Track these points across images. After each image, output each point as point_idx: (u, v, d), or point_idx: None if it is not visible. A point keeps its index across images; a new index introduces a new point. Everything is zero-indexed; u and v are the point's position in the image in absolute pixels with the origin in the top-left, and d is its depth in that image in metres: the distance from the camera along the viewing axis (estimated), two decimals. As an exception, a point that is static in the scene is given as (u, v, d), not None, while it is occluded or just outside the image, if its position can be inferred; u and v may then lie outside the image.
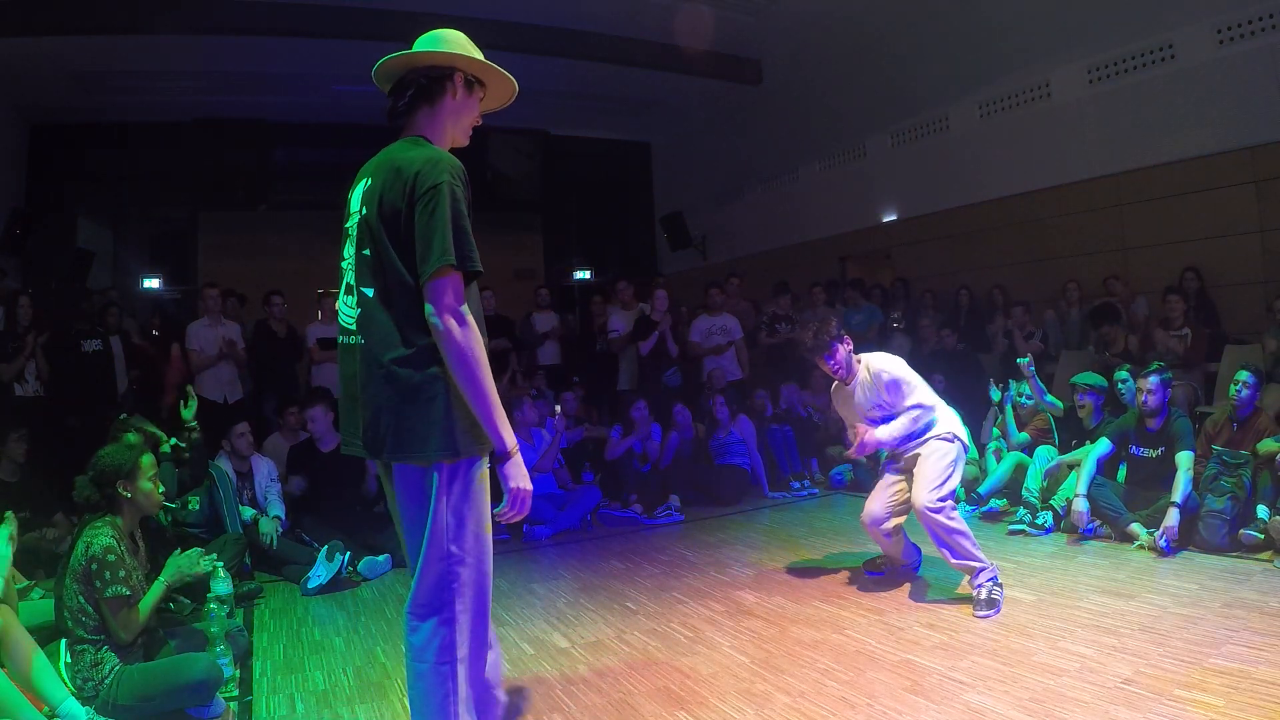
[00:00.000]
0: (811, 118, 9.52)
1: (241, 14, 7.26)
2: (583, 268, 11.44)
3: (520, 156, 10.92)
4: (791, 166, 10.18)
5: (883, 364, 3.66)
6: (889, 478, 3.77)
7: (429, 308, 1.80)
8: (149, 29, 7.07)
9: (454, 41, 1.99)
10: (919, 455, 3.61)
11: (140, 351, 6.66)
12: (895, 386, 3.60)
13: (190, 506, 4.20)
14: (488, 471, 1.94)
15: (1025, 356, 5.21)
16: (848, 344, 3.69)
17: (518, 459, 1.89)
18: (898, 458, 3.75)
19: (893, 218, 8.79)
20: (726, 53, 9.16)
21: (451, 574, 1.88)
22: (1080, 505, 4.16)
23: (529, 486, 1.91)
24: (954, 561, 3.43)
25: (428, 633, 1.89)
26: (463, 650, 1.90)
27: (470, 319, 1.82)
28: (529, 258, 11.68)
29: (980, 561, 3.37)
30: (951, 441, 3.60)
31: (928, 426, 3.65)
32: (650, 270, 11.98)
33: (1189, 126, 6.12)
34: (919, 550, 3.89)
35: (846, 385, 3.74)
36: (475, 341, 1.82)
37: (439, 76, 1.96)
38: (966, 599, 3.38)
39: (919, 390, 3.63)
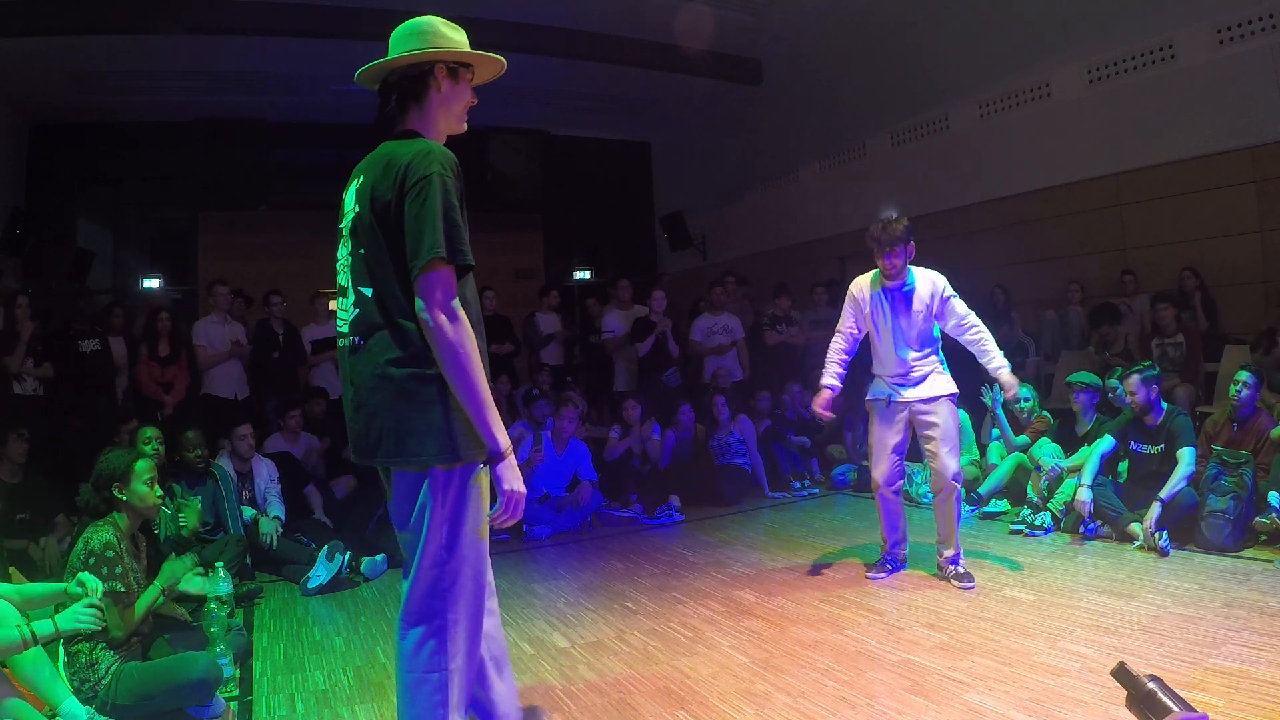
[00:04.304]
0: (811, 118, 9.51)
1: (241, 14, 7.27)
2: (583, 268, 11.44)
3: (520, 156, 10.91)
4: (791, 166, 10.17)
5: (939, 276, 3.78)
6: (888, 429, 3.79)
7: (419, 303, 1.76)
8: (149, 29, 7.08)
9: (429, 33, 1.93)
10: (932, 420, 3.68)
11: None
12: (948, 296, 3.72)
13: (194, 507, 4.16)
14: (487, 478, 1.88)
15: (992, 386, 5.23)
16: (911, 252, 3.76)
17: (511, 460, 1.84)
18: (900, 403, 3.75)
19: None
20: (726, 52, 9.16)
21: (444, 581, 1.84)
22: (1085, 495, 4.16)
23: (523, 489, 1.86)
24: (941, 536, 3.73)
25: (417, 640, 1.84)
26: (455, 660, 1.85)
27: (462, 315, 1.78)
28: (529, 258, 11.66)
29: (958, 545, 3.72)
30: (956, 404, 3.77)
31: (939, 360, 3.77)
32: (650, 270, 11.99)
33: (1189, 126, 6.11)
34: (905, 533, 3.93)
35: (890, 283, 3.76)
36: (467, 338, 1.77)
37: (420, 75, 1.93)
38: (967, 598, 3.40)
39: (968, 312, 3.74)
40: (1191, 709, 1.37)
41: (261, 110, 9.44)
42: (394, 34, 1.96)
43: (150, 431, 4.22)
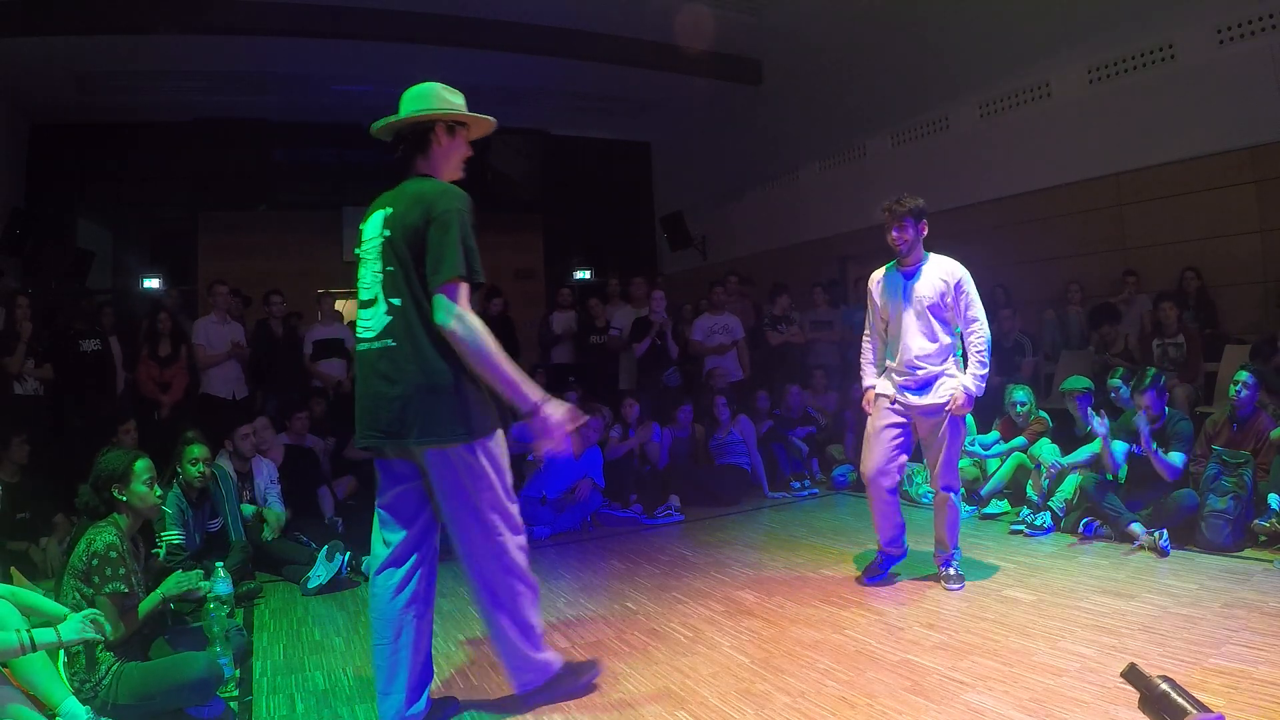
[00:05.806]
0: (811, 118, 9.51)
1: (241, 14, 7.27)
2: (583, 268, 11.44)
3: (520, 156, 10.92)
4: (791, 166, 10.17)
5: (960, 267, 3.61)
6: (882, 420, 3.64)
7: (439, 311, 2.16)
8: (149, 29, 7.08)
9: (432, 96, 2.36)
10: (934, 427, 3.56)
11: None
12: (961, 289, 3.54)
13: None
14: (505, 442, 2.36)
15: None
16: (924, 229, 3.63)
17: (547, 405, 2.25)
18: (905, 399, 3.58)
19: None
20: (726, 53, 9.16)
21: (496, 529, 2.30)
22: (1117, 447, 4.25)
23: (560, 417, 2.26)
24: (936, 539, 3.71)
25: (493, 579, 2.36)
26: (526, 581, 2.42)
27: (472, 314, 2.18)
28: (529, 258, 11.66)
29: (956, 546, 3.71)
30: (966, 415, 3.73)
31: (955, 363, 3.59)
32: (650, 270, 11.99)
33: (1189, 126, 6.11)
34: (905, 532, 3.82)
35: (901, 267, 3.66)
36: (482, 331, 2.18)
37: (423, 131, 2.35)
38: (967, 598, 3.40)
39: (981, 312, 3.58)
40: (1207, 709, 1.35)
41: (261, 110, 9.45)
42: (404, 95, 2.38)
43: (197, 451, 3.84)
